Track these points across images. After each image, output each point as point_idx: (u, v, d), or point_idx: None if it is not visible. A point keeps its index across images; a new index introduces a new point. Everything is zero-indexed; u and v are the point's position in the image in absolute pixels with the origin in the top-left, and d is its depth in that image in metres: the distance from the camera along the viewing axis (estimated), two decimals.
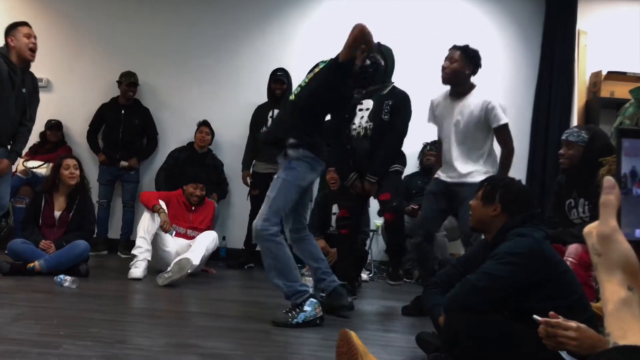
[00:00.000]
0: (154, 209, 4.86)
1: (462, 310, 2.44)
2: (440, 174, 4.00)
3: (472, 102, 3.88)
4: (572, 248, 3.25)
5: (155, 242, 4.83)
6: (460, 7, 6.32)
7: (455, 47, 3.97)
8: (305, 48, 6.19)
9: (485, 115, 3.86)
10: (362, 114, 4.31)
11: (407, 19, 6.29)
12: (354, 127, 4.31)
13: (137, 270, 4.64)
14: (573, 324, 1.83)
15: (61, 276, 4.08)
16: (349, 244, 4.48)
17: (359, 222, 4.55)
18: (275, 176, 3.56)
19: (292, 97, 3.61)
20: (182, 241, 5.05)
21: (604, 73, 5.86)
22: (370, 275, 5.62)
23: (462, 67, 3.88)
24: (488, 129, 3.88)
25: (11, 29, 4.25)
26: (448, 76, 3.92)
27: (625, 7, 6.15)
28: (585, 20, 6.10)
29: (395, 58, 4.38)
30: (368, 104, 4.31)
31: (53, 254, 4.47)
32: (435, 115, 4.07)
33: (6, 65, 4.11)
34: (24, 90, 4.24)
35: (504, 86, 6.18)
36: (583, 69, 6.10)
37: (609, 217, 0.68)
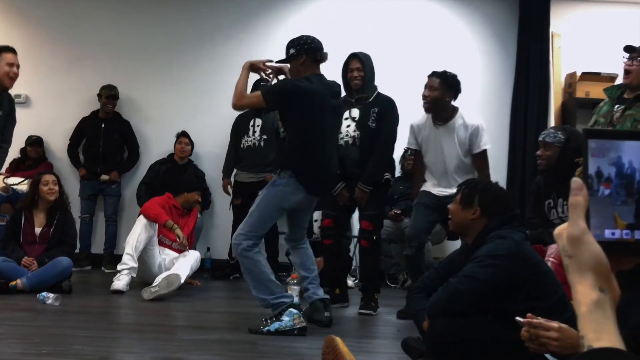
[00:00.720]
0: (166, 225, 4.85)
1: (446, 314, 2.46)
2: (432, 188, 4.11)
3: (457, 125, 4.03)
4: (553, 248, 3.29)
5: (142, 254, 4.80)
6: (435, 11, 6.38)
7: (434, 75, 4.07)
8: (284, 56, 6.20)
9: (470, 138, 4.01)
10: (349, 123, 4.31)
11: (383, 24, 6.33)
12: (340, 135, 4.30)
13: (120, 282, 4.61)
14: (554, 324, 1.86)
15: (44, 294, 4.05)
16: (334, 253, 4.49)
17: (343, 232, 4.56)
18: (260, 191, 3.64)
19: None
20: (170, 254, 5.01)
21: (579, 74, 5.95)
22: (356, 281, 5.63)
23: (442, 95, 4.00)
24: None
25: None
26: (430, 105, 4.04)
27: (597, 9, 6.25)
28: (559, 23, 6.19)
29: (373, 64, 4.40)
30: (354, 112, 4.32)
31: (35, 271, 4.43)
32: (418, 142, 4.21)
33: None
34: (0, 113, 4.23)
35: (481, 90, 6.25)
36: (558, 70, 6.19)
37: (577, 219, 0.68)
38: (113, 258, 5.85)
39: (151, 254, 4.88)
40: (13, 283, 4.31)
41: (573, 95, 5.98)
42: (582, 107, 5.74)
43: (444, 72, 4.06)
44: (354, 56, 4.37)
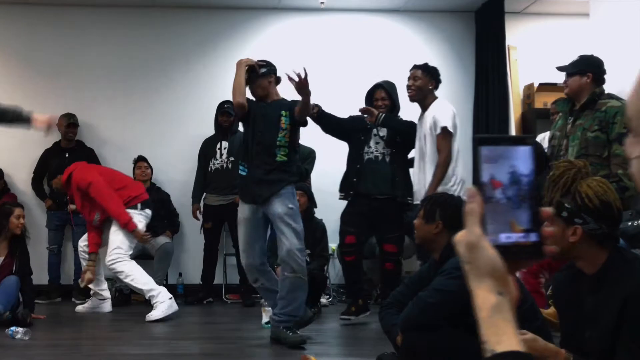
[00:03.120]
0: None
1: (418, 327, 2.51)
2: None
3: (430, 113, 4.16)
4: None
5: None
6: (393, 27, 6.50)
7: (415, 67, 4.28)
8: None
9: (434, 121, 4.11)
10: (377, 140, 4.49)
11: (342, 41, 6.42)
12: (370, 150, 4.48)
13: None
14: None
15: (12, 328, 3.98)
16: (356, 268, 4.55)
17: (363, 250, 4.65)
18: (290, 206, 3.77)
19: None
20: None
21: (536, 85, 6.12)
22: (330, 299, 5.66)
23: (425, 84, 4.17)
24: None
25: None
26: (414, 93, 4.20)
27: (548, 22, 6.45)
28: (514, 36, 6.36)
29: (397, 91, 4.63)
30: (383, 131, 4.49)
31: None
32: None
33: None
34: None
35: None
36: (516, 82, 6.36)
37: (473, 226, 0.69)
38: (83, 288, 5.76)
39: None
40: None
41: (532, 105, 6.15)
42: (541, 117, 5.90)
43: (425, 63, 4.31)
44: (378, 86, 4.61)
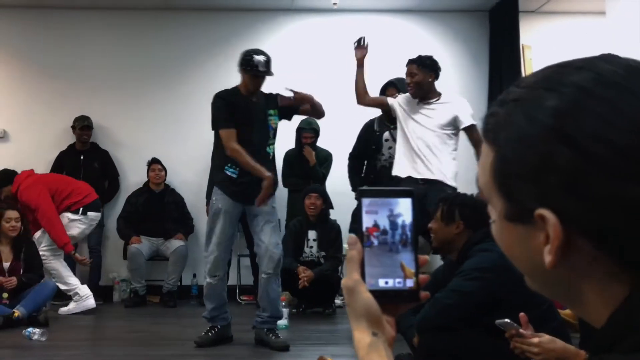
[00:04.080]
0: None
1: (435, 329, 2.50)
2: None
3: (446, 107, 4.15)
4: None
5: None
6: (407, 27, 6.48)
7: (410, 61, 4.24)
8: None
9: (457, 118, 4.11)
10: (390, 144, 4.50)
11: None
12: (383, 157, 4.54)
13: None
14: (535, 339, 1.89)
15: (29, 329, 4.02)
16: None
17: None
18: (274, 205, 3.81)
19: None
20: None
21: None
22: (344, 300, 5.64)
23: (423, 78, 4.14)
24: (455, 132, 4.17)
25: None
26: (414, 90, 4.16)
27: (563, 20, 6.40)
28: (528, 35, 6.32)
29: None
30: (395, 133, 4.47)
31: (28, 298, 4.45)
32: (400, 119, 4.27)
33: None
34: None
35: None
36: None
37: (352, 271, 0.75)
38: (98, 289, 5.80)
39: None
40: (17, 314, 4.31)
41: None
42: None
43: (419, 56, 4.26)
44: (390, 84, 4.67)
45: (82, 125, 6.06)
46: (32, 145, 6.32)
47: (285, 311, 4.04)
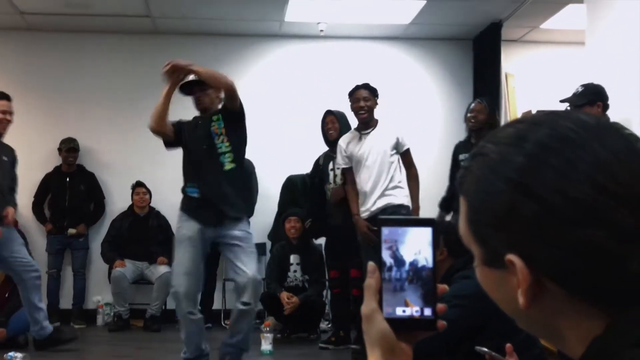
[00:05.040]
0: None
1: (417, 357, 2.51)
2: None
3: (385, 132, 4.37)
4: None
5: None
6: (394, 55, 6.58)
7: (359, 87, 4.44)
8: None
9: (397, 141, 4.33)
10: (336, 172, 4.66)
11: (341, 68, 6.48)
12: (330, 186, 4.69)
13: None
14: None
15: (11, 353, 3.98)
16: (343, 299, 4.74)
17: (347, 280, 4.72)
18: (248, 230, 3.65)
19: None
20: None
21: (534, 112, 6.18)
22: (329, 324, 5.64)
23: (374, 104, 4.41)
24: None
25: None
26: (367, 114, 4.38)
27: (546, 50, 6.55)
28: (511, 64, 6.44)
29: (348, 121, 4.78)
30: (338, 164, 4.61)
31: (11, 320, 4.45)
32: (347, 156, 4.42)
33: None
34: (4, 158, 4.30)
35: (441, 130, 6.42)
36: (514, 109, 6.43)
37: (369, 299, 0.76)
38: (82, 313, 5.77)
39: None
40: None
41: None
42: None
43: (367, 83, 4.48)
44: (329, 112, 4.85)
45: (69, 147, 6.06)
46: (18, 167, 6.30)
47: (269, 336, 4.03)
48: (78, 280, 6.04)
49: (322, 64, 6.51)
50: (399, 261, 0.76)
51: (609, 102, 3.63)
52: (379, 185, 4.23)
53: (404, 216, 0.82)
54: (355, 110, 4.36)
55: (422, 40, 6.59)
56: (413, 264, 0.76)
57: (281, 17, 6.07)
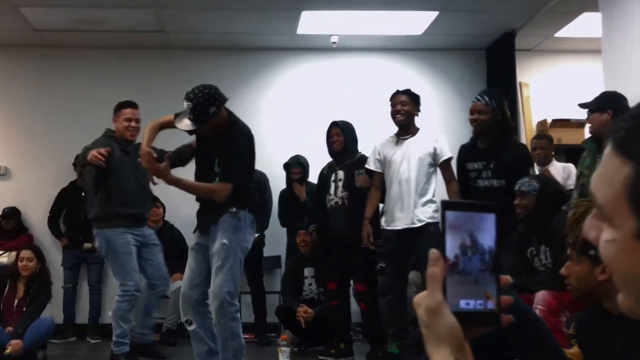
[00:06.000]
0: None
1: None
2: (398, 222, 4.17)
3: (423, 141, 4.25)
4: (540, 295, 3.34)
5: None
6: (408, 66, 6.57)
7: (400, 92, 4.39)
8: (270, 113, 6.31)
9: (436, 151, 4.20)
10: (337, 184, 4.57)
11: (353, 80, 6.49)
12: (330, 197, 4.57)
13: None
14: None
15: None
16: (343, 311, 4.68)
17: (347, 291, 4.67)
18: (225, 241, 3.32)
19: None
20: None
21: (549, 121, 6.14)
22: (360, 337, 5.59)
23: (412, 109, 4.30)
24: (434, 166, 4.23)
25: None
26: (404, 117, 4.27)
27: (560, 59, 6.52)
28: (526, 73, 6.42)
29: (355, 131, 4.74)
30: (340, 174, 4.58)
31: (26, 333, 4.43)
32: (379, 159, 4.32)
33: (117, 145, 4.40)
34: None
35: (457, 140, 6.37)
36: (529, 118, 6.39)
37: (434, 291, 0.69)
38: (98, 328, 5.76)
39: None
40: (7, 351, 4.27)
41: None
42: (556, 153, 5.89)
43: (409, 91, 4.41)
44: (334, 124, 4.75)
45: (83, 162, 6.07)
46: (33, 182, 6.34)
47: (287, 350, 4.00)
48: (94, 295, 6.04)
49: (335, 76, 6.52)
50: (466, 248, 0.70)
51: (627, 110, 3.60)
52: (410, 197, 4.06)
53: (467, 201, 0.74)
54: (393, 114, 4.28)
55: (435, 51, 6.58)
56: (476, 253, 0.70)
57: (293, 30, 6.09)
